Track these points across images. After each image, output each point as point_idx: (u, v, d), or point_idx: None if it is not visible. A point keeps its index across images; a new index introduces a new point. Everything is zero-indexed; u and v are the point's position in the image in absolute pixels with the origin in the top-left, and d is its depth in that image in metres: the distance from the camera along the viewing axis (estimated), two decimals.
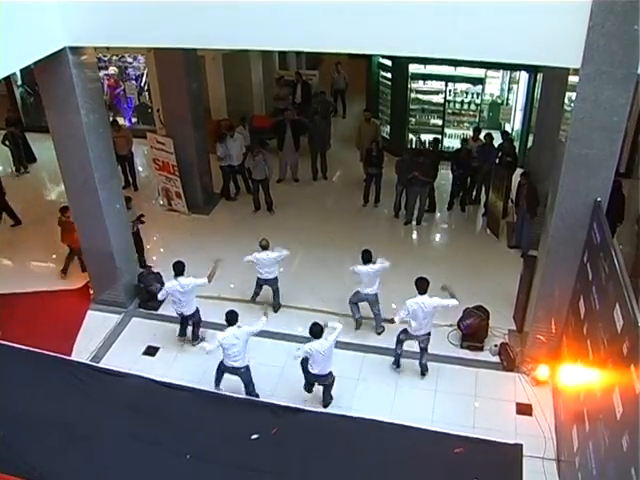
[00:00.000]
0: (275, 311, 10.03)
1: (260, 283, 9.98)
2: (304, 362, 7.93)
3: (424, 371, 8.72)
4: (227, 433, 6.01)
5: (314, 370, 7.84)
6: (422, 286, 8.21)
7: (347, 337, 9.22)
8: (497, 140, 12.69)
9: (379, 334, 9.50)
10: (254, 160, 12.51)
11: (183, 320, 9.31)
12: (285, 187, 13.99)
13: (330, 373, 7.96)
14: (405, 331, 8.49)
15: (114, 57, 16.58)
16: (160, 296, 9.25)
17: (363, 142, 13.54)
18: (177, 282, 8.75)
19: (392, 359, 8.91)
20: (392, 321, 8.65)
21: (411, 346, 8.65)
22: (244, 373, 7.98)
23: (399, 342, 8.66)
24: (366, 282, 9.13)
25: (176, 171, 12.43)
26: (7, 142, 14.81)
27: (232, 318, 7.87)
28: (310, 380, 8.08)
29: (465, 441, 5.79)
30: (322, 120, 15.05)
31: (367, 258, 9.05)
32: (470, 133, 13.64)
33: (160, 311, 10.17)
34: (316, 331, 7.68)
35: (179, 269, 8.80)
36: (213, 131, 13.44)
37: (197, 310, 9.20)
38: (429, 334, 8.45)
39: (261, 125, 14.27)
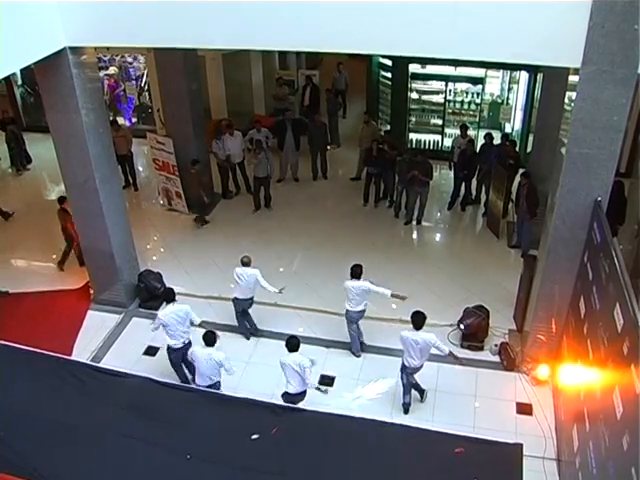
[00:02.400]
0: (249, 336, 9.51)
1: (237, 308, 9.32)
2: None
3: (407, 411, 8.14)
4: (227, 433, 6.02)
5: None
6: (417, 322, 7.56)
7: (348, 337, 9.21)
8: (497, 140, 12.69)
9: (357, 357, 9.13)
10: (256, 158, 12.52)
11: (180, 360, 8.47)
12: (285, 187, 14.00)
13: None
14: (403, 368, 7.97)
15: (114, 57, 16.59)
16: (153, 328, 8.28)
17: (362, 144, 13.67)
18: (170, 311, 8.12)
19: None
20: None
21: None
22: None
23: (405, 388, 8.09)
24: (351, 299, 8.69)
25: (176, 171, 12.44)
26: (8, 140, 14.85)
27: (209, 340, 7.52)
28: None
29: (465, 441, 5.79)
30: (331, 118, 15.03)
31: (356, 273, 8.55)
32: (473, 133, 13.66)
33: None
34: (292, 344, 7.42)
35: (170, 296, 8.23)
36: (213, 131, 13.44)
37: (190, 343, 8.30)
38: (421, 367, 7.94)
39: (262, 125, 14.21)
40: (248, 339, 9.51)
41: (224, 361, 7.51)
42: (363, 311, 8.83)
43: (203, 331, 7.77)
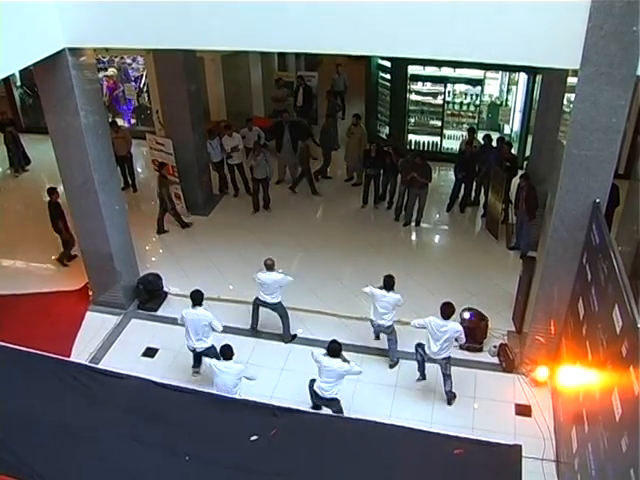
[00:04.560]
0: (286, 342, 9.47)
1: (257, 303, 9.39)
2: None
3: (450, 400, 8.29)
4: (226, 434, 5.99)
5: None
6: (444, 311, 7.81)
7: (347, 339, 9.21)
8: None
9: (391, 367, 8.99)
10: (255, 160, 12.52)
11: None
12: (284, 189, 13.98)
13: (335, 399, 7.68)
14: (421, 347, 8.23)
15: (113, 58, 16.59)
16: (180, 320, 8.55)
17: (349, 145, 13.92)
18: (194, 311, 8.30)
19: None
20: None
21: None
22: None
23: (419, 365, 8.44)
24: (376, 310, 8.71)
25: (175, 172, 12.43)
26: (6, 142, 14.86)
27: (226, 353, 7.63)
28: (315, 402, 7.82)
29: (464, 442, 5.77)
30: (329, 120, 15.12)
31: (389, 284, 8.52)
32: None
33: (159, 312, 10.17)
34: (334, 349, 7.49)
35: (198, 298, 8.37)
36: (212, 132, 13.45)
37: (212, 347, 8.47)
38: (448, 359, 8.07)
39: (260, 126, 14.27)
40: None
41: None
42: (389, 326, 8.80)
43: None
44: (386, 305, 8.53)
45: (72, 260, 11.34)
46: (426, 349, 8.11)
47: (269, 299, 9.15)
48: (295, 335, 9.56)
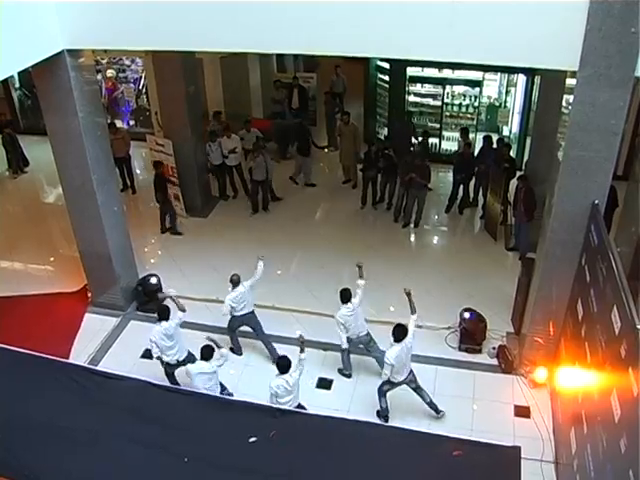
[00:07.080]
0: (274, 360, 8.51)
1: (236, 325, 9.01)
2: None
3: (437, 411, 8.04)
4: (225, 436, 6.00)
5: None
6: (399, 334, 7.52)
7: None
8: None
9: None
10: (255, 161, 12.52)
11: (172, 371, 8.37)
12: (283, 190, 13.97)
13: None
14: (388, 381, 7.82)
15: (112, 60, 16.59)
16: (154, 354, 8.15)
17: (342, 145, 13.95)
18: (161, 327, 7.96)
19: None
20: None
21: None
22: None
23: (382, 395, 8.01)
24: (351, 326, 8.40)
25: (175, 173, 12.41)
26: (4, 144, 14.85)
27: (207, 354, 7.47)
28: None
29: (463, 444, 5.78)
30: (329, 121, 15.18)
31: (346, 297, 8.29)
32: (471, 136, 13.61)
33: None
34: (283, 365, 7.23)
35: (165, 312, 8.02)
36: (213, 134, 13.43)
37: (190, 354, 8.23)
38: (411, 372, 7.85)
39: (259, 128, 14.27)
40: (240, 354, 9.32)
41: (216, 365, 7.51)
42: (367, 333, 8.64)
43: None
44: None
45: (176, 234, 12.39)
46: (393, 379, 7.75)
47: (244, 310, 8.88)
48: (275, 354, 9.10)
